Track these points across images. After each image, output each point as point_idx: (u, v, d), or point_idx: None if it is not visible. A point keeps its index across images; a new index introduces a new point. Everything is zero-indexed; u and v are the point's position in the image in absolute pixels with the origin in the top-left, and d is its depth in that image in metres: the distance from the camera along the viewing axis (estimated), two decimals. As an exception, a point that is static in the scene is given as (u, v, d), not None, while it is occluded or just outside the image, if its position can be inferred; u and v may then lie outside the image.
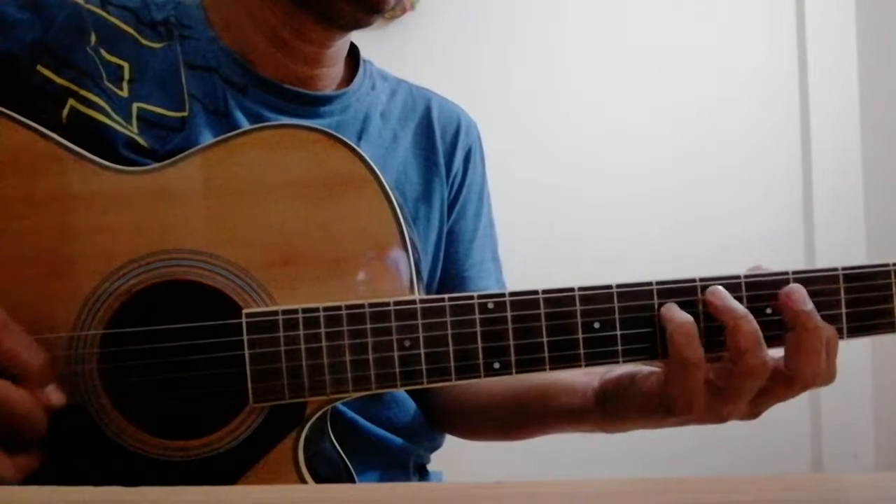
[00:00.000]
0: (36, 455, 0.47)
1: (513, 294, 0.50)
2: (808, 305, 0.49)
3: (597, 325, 0.50)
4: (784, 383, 0.51)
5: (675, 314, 0.50)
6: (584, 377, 0.61)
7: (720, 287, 0.50)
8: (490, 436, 0.74)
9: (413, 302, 0.50)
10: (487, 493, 0.35)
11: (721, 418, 0.52)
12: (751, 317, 0.49)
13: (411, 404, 0.73)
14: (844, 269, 0.51)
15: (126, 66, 0.61)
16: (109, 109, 0.59)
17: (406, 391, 0.75)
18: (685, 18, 1.84)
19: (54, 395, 0.47)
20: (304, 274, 0.51)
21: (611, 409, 0.58)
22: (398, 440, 0.69)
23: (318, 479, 0.52)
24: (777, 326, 0.50)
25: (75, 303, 0.51)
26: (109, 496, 0.35)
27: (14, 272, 0.51)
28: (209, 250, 0.51)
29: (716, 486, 0.35)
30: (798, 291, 0.50)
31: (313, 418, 0.51)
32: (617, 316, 0.51)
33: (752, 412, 0.53)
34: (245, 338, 0.50)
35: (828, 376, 0.51)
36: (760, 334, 0.49)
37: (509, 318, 0.50)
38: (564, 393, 0.62)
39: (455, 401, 0.73)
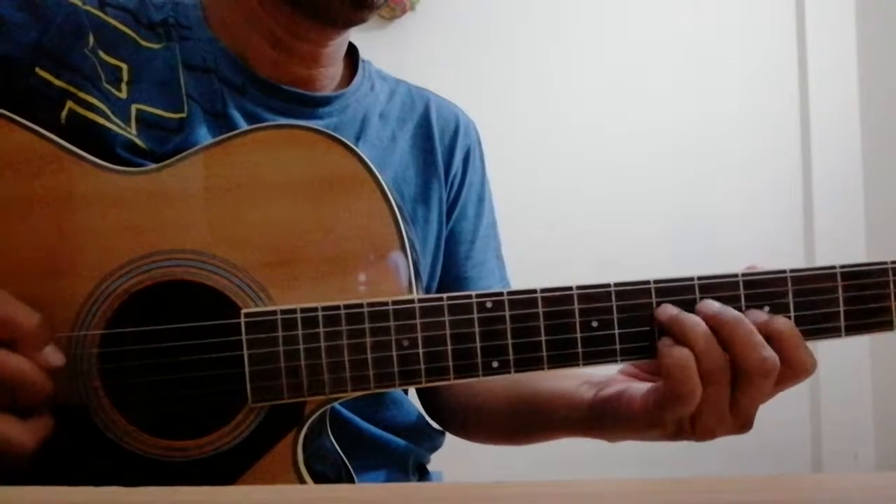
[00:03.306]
0: (46, 419, 0.47)
1: (511, 293, 0.50)
2: (711, 309, 0.50)
3: (595, 325, 0.50)
4: (743, 382, 0.49)
5: (673, 349, 0.49)
6: (584, 386, 0.61)
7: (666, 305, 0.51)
8: (493, 440, 0.75)
9: (411, 301, 0.50)
10: (487, 493, 0.35)
11: (710, 434, 0.52)
12: (683, 318, 0.49)
13: (410, 404, 0.73)
14: (842, 267, 0.51)
15: (125, 67, 0.61)
16: (108, 111, 0.59)
17: (413, 391, 0.75)
18: (685, 18, 1.85)
19: (53, 356, 0.47)
20: (303, 274, 0.51)
21: (606, 426, 0.58)
22: (397, 440, 0.69)
23: (318, 478, 0.52)
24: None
25: (74, 303, 0.51)
26: (109, 496, 0.35)
27: (13, 272, 0.51)
28: (208, 250, 0.51)
29: (715, 486, 0.35)
30: (700, 304, 0.50)
31: (312, 418, 0.51)
32: (615, 315, 0.51)
33: (739, 423, 0.52)
34: (244, 338, 0.50)
35: (796, 368, 0.49)
36: (707, 331, 0.49)
37: (507, 318, 0.50)
38: (563, 405, 0.62)
39: (459, 405, 0.74)
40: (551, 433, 0.66)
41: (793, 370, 0.50)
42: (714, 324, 0.49)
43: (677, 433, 0.53)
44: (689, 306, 0.51)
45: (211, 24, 0.66)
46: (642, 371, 0.59)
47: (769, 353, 0.49)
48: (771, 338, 0.49)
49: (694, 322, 0.49)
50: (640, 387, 0.55)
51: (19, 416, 0.46)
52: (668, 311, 0.50)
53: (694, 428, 0.52)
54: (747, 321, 0.49)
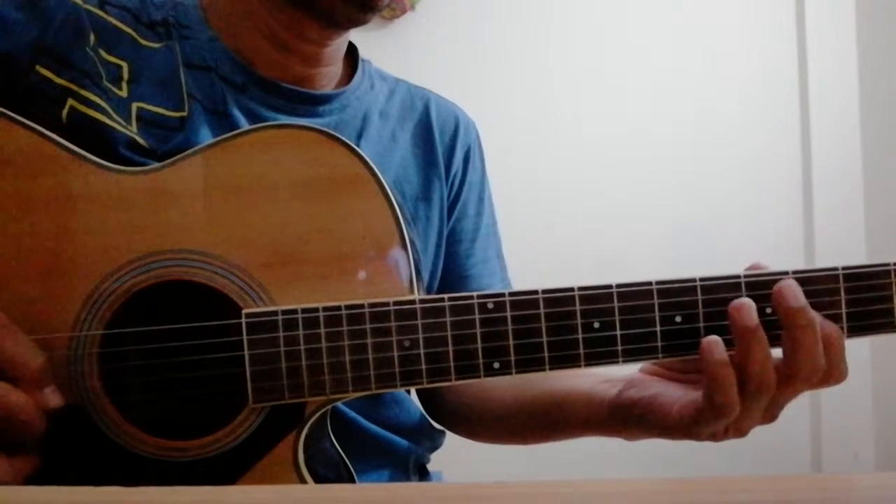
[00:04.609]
0: (33, 457, 0.47)
1: (512, 294, 0.50)
2: (798, 302, 0.48)
3: (597, 325, 0.50)
4: (785, 382, 0.49)
5: (718, 368, 0.48)
6: (603, 384, 0.61)
7: (745, 304, 0.49)
8: (502, 440, 0.74)
9: (412, 302, 0.50)
10: (487, 493, 0.35)
11: (744, 435, 0.52)
12: (760, 334, 0.48)
13: (412, 404, 0.73)
14: (844, 268, 0.51)
15: (125, 65, 0.61)
16: (109, 109, 0.59)
17: (414, 391, 0.75)
18: (685, 19, 1.84)
19: (52, 398, 0.47)
20: (304, 274, 0.51)
21: (630, 427, 0.57)
22: (398, 440, 0.69)
23: (318, 479, 0.52)
24: (777, 326, 0.50)
25: (75, 303, 0.50)
26: (109, 496, 0.35)
27: (13, 272, 0.51)
28: (209, 250, 0.51)
29: (716, 486, 0.35)
30: (788, 289, 0.48)
31: (313, 418, 0.51)
32: (617, 316, 0.50)
33: (769, 417, 0.52)
34: (245, 338, 0.49)
35: (834, 374, 0.50)
36: (768, 349, 0.49)
37: (509, 318, 0.50)
38: (582, 405, 0.62)
39: (465, 405, 0.73)
40: (568, 433, 0.66)
41: (831, 375, 0.50)
42: (788, 322, 0.48)
43: (710, 438, 0.53)
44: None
45: (211, 24, 0.66)
46: (664, 368, 0.58)
47: (823, 362, 0.49)
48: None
49: (762, 345, 0.48)
50: (674, 394, 0.54)
51: (6, 452, 0.46)
52: (750, 319, 0.48)
53: (728, 431, 0.52)
54: (818, 332, 0.48)
